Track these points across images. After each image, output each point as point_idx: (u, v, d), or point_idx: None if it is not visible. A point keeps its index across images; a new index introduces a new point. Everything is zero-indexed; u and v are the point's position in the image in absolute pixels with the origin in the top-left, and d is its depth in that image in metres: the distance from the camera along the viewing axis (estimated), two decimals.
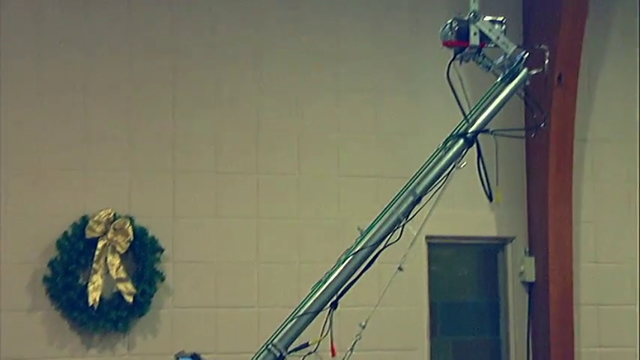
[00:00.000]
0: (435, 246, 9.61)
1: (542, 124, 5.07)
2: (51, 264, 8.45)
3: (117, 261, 8.48)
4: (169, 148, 8.91)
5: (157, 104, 8.93)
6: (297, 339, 4.60)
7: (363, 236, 4.68)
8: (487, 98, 4.81)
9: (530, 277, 9.64)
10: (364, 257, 4.64)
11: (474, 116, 4.75)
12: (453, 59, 4.82)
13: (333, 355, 4.64)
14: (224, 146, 9.04)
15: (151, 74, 8.94)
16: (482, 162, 4.74)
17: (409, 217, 4.67)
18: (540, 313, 9.57)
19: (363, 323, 4.68)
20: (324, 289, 4.61)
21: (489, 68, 4.86)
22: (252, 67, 9.19)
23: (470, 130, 4.71)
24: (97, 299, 8.39)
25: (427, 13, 9.54)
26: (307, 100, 9.29)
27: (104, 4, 8.89)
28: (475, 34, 4.76)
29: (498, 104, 4.78)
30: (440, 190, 4.68)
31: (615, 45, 10.10)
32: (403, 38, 9.57)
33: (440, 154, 4.73)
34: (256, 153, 9.11)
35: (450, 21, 4.79)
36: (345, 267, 4.63)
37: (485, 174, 4.76)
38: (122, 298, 8.48)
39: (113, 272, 8.45)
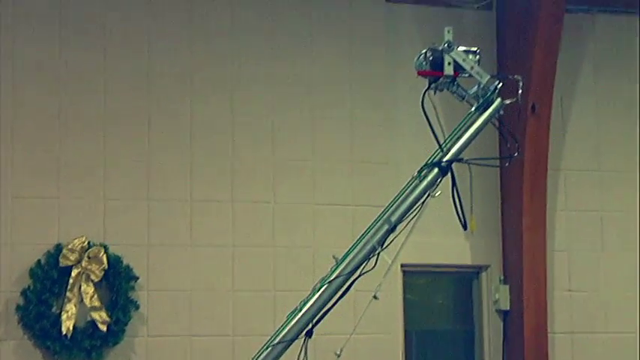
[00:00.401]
0: (410, 274, 9.62)
1: (516, 154, 5.10)
2: (24, 293, 8.39)
3: (91, 289, 8.43)
4: (144, 177, 8.89)
5: (131, 132, 8.93)
6: None
7: (338, 264, 4.68)
8: (461, 127, 4.83)
9: (505, 305, 9.66)
10: (339, 285, 4.64)
11: (448, 145, 4.77)
12: (427, 88, 4.84)
13: None
14: (199, 174, 9.03)
15: (126, 103, 8.94)
16: (457, 191, 4.75)
17: (384, 246, 4.67)
18: (515, 342, 9.59)
19: (339, 352, 4.68)
20: (300, 318, 4.60)
21: (463, 98, 4.88)
22: (227, 95, 9.20)
23: (444, 159, 4.73)
24: (71, 328, 8.33)
25: (402, 42, 9.61)
26: (282, 128, 9.31)
27: (80, 36, 8.89)
28: (449, 63, 4.79)
29: (472, 133, 4.80)
30: (415, 218, 4.69)
31: (587, 75, 10.21)
32: (378, 67, 9.62)
33: (415, 182, 4.74)
34: (231, 181, 9.11)
35: (424, 51, 4.82)
36: (320, 295, 4.62)
37: (460, 203, 4.78)
38: (96, 326, 8.43)
39: (87, 301, 8.40)
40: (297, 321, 4.60)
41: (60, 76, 8.80)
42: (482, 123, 4.83)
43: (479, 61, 4.83)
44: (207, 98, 9.15)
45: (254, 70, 9.30)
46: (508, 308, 9.66)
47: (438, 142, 4.80)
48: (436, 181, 4.72)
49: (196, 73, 9.16)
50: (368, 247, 4.67)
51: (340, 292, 4.65)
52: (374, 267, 4.67)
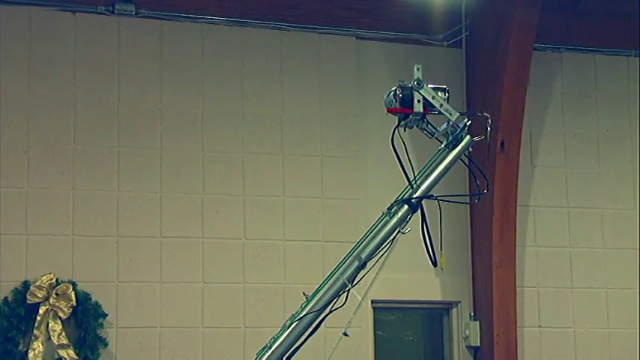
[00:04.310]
0: (381, 310, 9.62)
1: (486, 190, 5.12)
2: None
3: (59, 327, 8.35)
4: (113, 212, 8.84)
5: (100, 167, 8.89)
6: None
7: (308, 301, 4.66)
8: (431, 164, 4.85)
9: (475, 341, 9.67)
10: (309, 322, 4.62)
11: (418, 182, 4.79)
12: (397, 126, 4.85)
13: None
14: (169, 211, 9.00)
15: (94, 137, 8.90)
16: (427, 227, 4.77)
17: (354, 282, 4.67)
18: None
19: None
20: (269, 355, 4.58)
21: (433, 135, 4.90)
22: (197, 131, 9.20)
23: (414, 196, 4.74)
24: None
25: (372, 79, 9.67)
26: (252, 164, 9.31)
27: (49, 70, 8.86)
28: (419, 101, 4.81)
29: (442, 170, 4.82)
30: (385, 255, 4.70)
31: (555, 112, 10.32)
32: (349, 104, 9.66)
33: (385, 219, 4.75)
34: (201, 218, 9.08)
35: (394, 88, 4.85)
36: (290, 332, 4.60)
37: (430, 239, 4.79)
38: None
39: (55, 338, 8.31)
40: (266, 358, 4.58)
41: (28, 111, 8.76)
42: (451, 160, 4.85)
43: (448, 98, 4.86)
44: (176, 134, 9.14)
45: (224, 107, 9.31)
46: (479, 344, 9.66)
47: (407, 179, 4.81)
48: (406, 217, 4.73)
49: (166, 109, 9.15)
50: (338, 283, 4.66)
51: (310, 329, 4.63)
52: (344, 303, 4.66)
